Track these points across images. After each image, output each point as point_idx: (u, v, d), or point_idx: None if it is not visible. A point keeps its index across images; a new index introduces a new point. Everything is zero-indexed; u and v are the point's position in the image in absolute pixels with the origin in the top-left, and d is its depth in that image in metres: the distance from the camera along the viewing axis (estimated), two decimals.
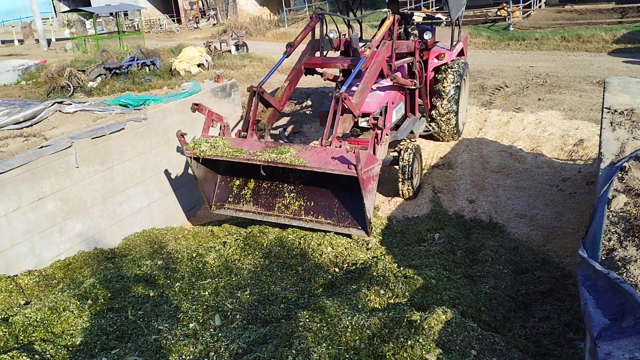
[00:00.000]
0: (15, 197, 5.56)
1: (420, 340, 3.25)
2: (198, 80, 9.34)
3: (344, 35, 9.23)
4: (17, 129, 6.61)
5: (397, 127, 8.65)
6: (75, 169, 6.20)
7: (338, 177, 5.91)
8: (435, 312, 3.58)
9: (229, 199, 6.92)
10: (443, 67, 9.30)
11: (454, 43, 9.70)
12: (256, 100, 6.89)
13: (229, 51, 21.84)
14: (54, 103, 7.17)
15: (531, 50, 19.32)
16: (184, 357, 3.70)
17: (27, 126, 6.70)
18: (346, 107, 6.33)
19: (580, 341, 4.41)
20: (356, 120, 6.72)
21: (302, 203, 6.53)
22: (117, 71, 16.24)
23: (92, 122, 6.84)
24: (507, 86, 13.55)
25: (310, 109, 13.33)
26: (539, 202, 7.55)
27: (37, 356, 3.61)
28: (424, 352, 3.14)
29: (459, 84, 9.30)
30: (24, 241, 5.69)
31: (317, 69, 8.15)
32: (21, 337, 4.03)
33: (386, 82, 8.31)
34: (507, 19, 23.76)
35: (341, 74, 8.92)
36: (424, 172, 8.84)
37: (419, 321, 3.49)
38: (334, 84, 9.62)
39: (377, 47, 7.28)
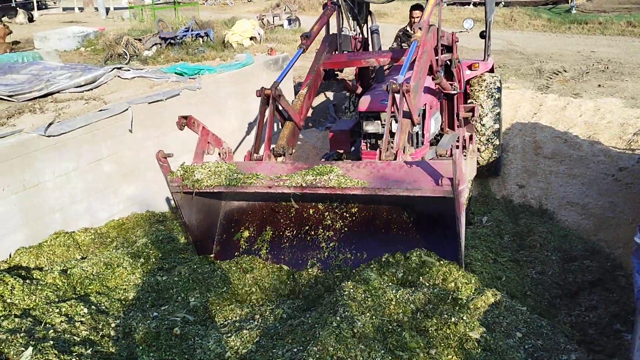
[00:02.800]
0: (75, 157, 5.79)
1: (465, 318, 3.25)
2: (250, 53, 9.40)
3: (355, 32, 7.00)
4: (78, 92, 6.85)
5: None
6: (130, 133, 6.40)
7: (411, 206, 4.33)
8: (484, 293, 3.57)
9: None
10: (477, 79, 7.51)
11: (487, 51, 7.87)
12: (272, 108, 4.87)
13: (282, 25, 21.86)
14: (113, 69, 7.38)
15: (593, 35, 18.53)
16: (230, 318, 3.82)
17: (88, 90, 6.93)
18: (405, 105, 4.51)
19: (627, 333, 4.31)
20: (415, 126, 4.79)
21: (350, 256, 4.43)
22: (172, 41, 16.53)
23: (149, 89, 7.02)
24: (565, 71, 13.09)
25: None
26: (592, 191, 7.34)
27: (92, 307, 3.80)
28: (467, 330, 3.14)
29: (499, 97, 7.49)
30: (82, 200, 5.94)
31: (338, 72, 6.44)
32: (78, 289, 4.24)
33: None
34: (569, 1, 22.83)
35: (358, 82, 7.21)
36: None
37: (465, 300, 3.49)
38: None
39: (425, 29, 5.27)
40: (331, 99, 11.94)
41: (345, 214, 4.53)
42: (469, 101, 7.32)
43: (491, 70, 7.76)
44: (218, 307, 3.97)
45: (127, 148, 6.40)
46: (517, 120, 10.00)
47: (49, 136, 5.54)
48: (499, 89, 7.53)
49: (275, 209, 4.75)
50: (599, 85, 11.68)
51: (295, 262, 4.49)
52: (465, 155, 4.80)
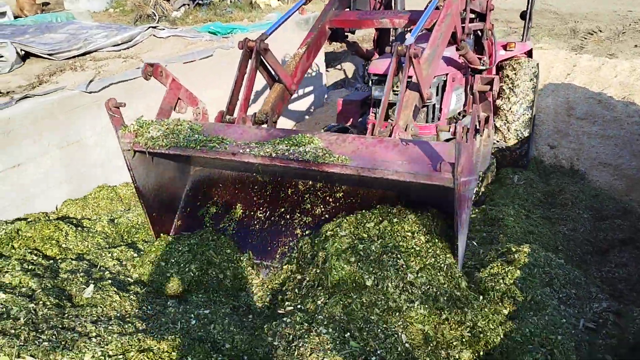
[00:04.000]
0: None
1: (510, 269, 3.36)
2: (280, 13, 9.39)
3: None
4: (115, 50, 6.98)
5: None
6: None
7: (406, 194, 3.68)
8: (523, 245, 3.66)
9: None
10: (511, 62, 6.69)
11: (527, 33, 7.12)
12: (254, 63, 4.14)
13: None
14: (149, 27, 7.48)
15: None
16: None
17: (124, 49, 7.05)
18: (415, 75, 3.87)
19: None
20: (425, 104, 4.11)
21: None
22: (200, 2, 16.50)
23: (183, 48, 7.12)
24: (600, 31, 12.77)
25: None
26: (625, 152, 7.28)
27: (141, 252, 4.01)
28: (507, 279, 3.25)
29: (535, 84, 6.69)
30: (120, 157, 6.13)
31: (348, 33, 5.69)
32: (125, 237, 4.46)
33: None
34: None
35: (376, 50, 6.39)
36: None
37: (502, 250, 3.62)
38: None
39: None
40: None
41: (328, 198, 3.91)
42: (501, 95, 6.51)
43: (529, 55, 7.03)
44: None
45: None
46: (549, 81, 9.86)
47: (90, 92, 5.70)
48: (536, 76, 6.68)
49: (249, 185, 4.15)
50: (636, 46, 11.40)
51: (262, 249, 3.92)
52: (476, 139, 3.81)
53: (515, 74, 6.54)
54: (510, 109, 6.44)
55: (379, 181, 3.21)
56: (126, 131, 3.68)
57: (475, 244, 4.09)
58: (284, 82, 4.42)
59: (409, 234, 3.36)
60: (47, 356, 2.60)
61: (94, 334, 2.81)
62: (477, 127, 3.81)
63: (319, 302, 3.05)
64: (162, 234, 4.07)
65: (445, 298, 3.02)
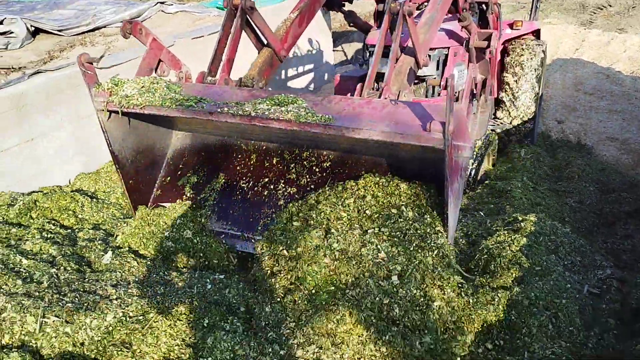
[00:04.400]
0: None
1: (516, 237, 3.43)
2: None
3: None
4: None
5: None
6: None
7: (397, 164, 3.48)
8: (529, 215, 3.72)
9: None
10: (517, 42, 6.36)
11: (536, 12, 6.92)
12: (239, 22, 3.88)
13: None
14: (157, 3, 7.49)
15: None
16: None
17: None
18: (409, 38, 3.66)
19: None
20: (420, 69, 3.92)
21: None
22: None
23: (192, 23, 7.14)
24: (610, 5, 12.64)
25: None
26: (633, 127, 7.30)
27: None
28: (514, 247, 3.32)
29: (542, 68, 6.42)
30: None
31: (345, 2, 5.52)
32: None
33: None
34: None
35: (376, 23, 5.95)
36: None
37: (509, 220, 3.69)
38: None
39: None
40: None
41: (314, 168, 3.73)
42: (507, 71, 6.19)
43: (537, 35, 6.68)
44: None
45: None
46: (557, 56, 9.82)
47: (100, 68, 5.75)
48: (543, 59, 6.40)
49: (233, 153, 3.97)
50: None
51: (245, 221, 3.75)
52: (473, 104, 3.44)
53: (520, 56, 6.20)
54: (513, 92, 6.19)
55: (368, 146, 3.04)
56: (100, 89, 3.44)
57: (482, 214, 4.16)
58: (272, 46, 4.11)
59: (395, 210, 3.18)
60: (70, 316, 2.71)
61: (114, 297, 2.92)
62: (474, 90, 3.52)
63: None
64: (140, 205, 3.87)
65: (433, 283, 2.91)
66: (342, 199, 3.29)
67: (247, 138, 3.87)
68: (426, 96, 5.00)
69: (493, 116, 6.25)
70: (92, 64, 3.41)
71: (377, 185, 3.32)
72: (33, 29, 6.60)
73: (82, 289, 2.96)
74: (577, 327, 2.87)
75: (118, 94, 3.38)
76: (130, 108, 3.34)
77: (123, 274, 3.21)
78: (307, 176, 3.72)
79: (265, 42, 4.15)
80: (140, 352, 2.70)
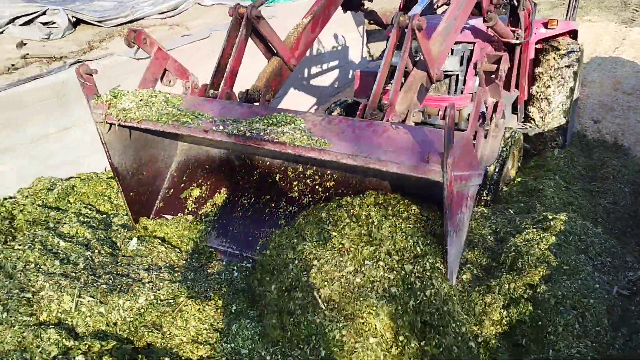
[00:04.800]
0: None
1: (545, 235, 3.40)
2: None
3: None
4: (161, 18, 7.15)
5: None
6: (209, 58, 6.68)
7: (401, 187, 3.30)
8: (560, 214, 3.69)
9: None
10: (551, 43, 5.99)
11: (574, 12, 6.53)
12: (244, 33, 3.70)
13: None
14: None
15: None
16: None
17: (170, 16, 7.22)
18: (421, 52, 3.41)
19: None
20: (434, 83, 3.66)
21: None
22: None
23: (228, 16, 7.22)
24: None
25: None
26: None
27: None
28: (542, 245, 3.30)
29: (576, 69, 5.99)
30: None
31: (365, 1, 5.22)
32: None
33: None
34: None
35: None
36: None
37: (539, 218, 3.66)
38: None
39: None
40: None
41: (317, 187, 3.58)
42: (536, 70, 5.90)
43: (573, 36, 6.26)
44: None
45: (206, 73, 6.70)
46: (596, 54, 9.59)
47: (138, 59, 5.89)
48: (578, 60, 5.98)
49: (236, 168, 3.87)
50: None
51: (244, 239, 3.60)
52: (486, 130, 3.23)
53: (554, 58, 5.83)
54: (546, 96, 5.83)
55: (372, 169, 2.78)
56: (99, 101, 3.36)
57: (512, 212, 4.13)
58: (281, 55, 3.89)
59: (389, 239, 2.95)
60: (104, 297, 2.83)
61: (146, 280, 3.02)
62: (484, 113, 3.22)
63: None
64: (141, 217, 3.80)
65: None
66: (332, 221, 3.12)
67: (251, 152, 3.74)
68: (448, 93, 4.85)
69: (523, 119, 5.98)
70: (91, 75, 3.33)
71: (376, 206, 3.16)
72: (74, 19, 6.80)
73: (115, 272, 3.07)
74: (604, 327, 2.84)
75: (116, 107, 3.31)
76: (128, 122, 3.27)
77: (153, 259, 3.31)
78: (310, 195, 3.56)
79: (275, 51, 3.91)
80: (169, 333, 2.80)
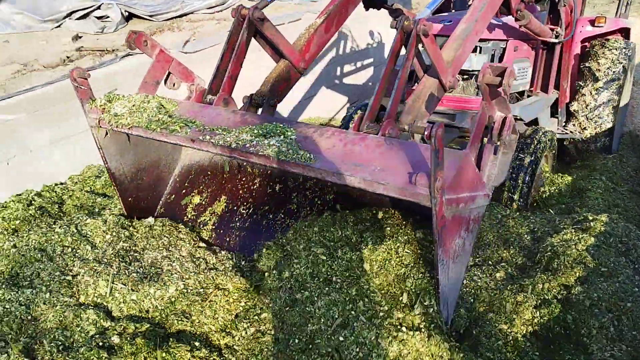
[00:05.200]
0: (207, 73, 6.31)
1: (584, 236, 3.32)
2: None
3: None
4: (209, 13, 7.32)
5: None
6: (252, 53, 6.80)
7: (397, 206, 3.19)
8: (601, 215, 3.59)
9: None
10: (597, 42, 5.61)
11: (626, 9, 6.06)
12: (246, 36, 3.52)
13: None
14: None
15: None
16: None
17: (218, 11, 7.38)
18: (428, 56, 3.15)
19: None
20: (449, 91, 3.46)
21: None
22: None
23: (274, 11, 7.32)
24: None
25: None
26: None
27: None
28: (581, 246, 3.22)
29: (627, 68, 5.58)
30: None
31: None
32: None
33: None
34: None
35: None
36: None
37: (579, 219, 3.58)
38: None
39: None
40: None
41: (317, 199, 3.47)
42: (583, 77, 5.51)
43: (625, 35, 5.85)
44: None
45: (254, 67, 6.82)
46: None
47: (186, 53, 6.06)
48: (629, 59, 5.59)
49: (238, 174, 3.76)
50: None
51: (240, 251, 3.53)
52: (496, 148, 2.92)
53: (599, 60, 5.44)
54: (590, 104, 5.48)
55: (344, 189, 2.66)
56: (93, 105, 3.28)
57: (552, 212, 4.04)
58: (289, 58, 3.69)
59: (374, 271, 2.85)
60: (136, 286, 2.94)
61: (175, 270, 3.12)
62: (491, 130, 2.90)
63: None
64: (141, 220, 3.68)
65: None
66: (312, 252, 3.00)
67: (252, 160, 3.58)
68: (477, 94, 4.57)
69: (563, 125, 5.65)
70: (85, 79, 3.26)
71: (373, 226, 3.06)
72: (127, 14, 7.05)
73: (145, 261, 3.18)
74: None
75: (110, 112, 3.23)
76: (119, 128, 3.19)
77: (179, 243, 3.41)
78: (308, 208, 3.44)
79: (280, 50, 3.69)
80: (199, 322, 2.89)
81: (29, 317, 2.78)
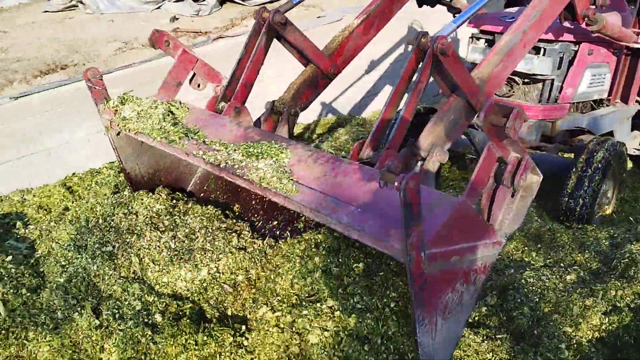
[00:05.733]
0: (292, 59, 6.46)
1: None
2: None
3: None
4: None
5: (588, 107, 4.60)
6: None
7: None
8: None
9: None
10: None
11: None
12: (265, 41, 3.24)
13: None
14: None
15: None
16: None
17: None
18: (454, 76, 2.70)
19: None
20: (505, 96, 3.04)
21: None
22: None
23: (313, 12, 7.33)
24: None
25: None
26: None
27: None
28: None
29: None
30: None
31: None
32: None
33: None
34: None
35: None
36: None
37: None
38: None
39: None
40: None
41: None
42: None
43: None
44: None
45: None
46: None
47: None
48: None
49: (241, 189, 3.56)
50: None
51: None
52: (513, 191, 2.44)
53: None
54: None
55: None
56: (107, 106, 3.22)
57: (632, 219, 3.84)
58: (316, 63, 3.38)
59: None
60: (167, 267, 2.99)
61: (207, 251, 3.08)
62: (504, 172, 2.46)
63: None
64: None
65: None
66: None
67: None
68: (540, 101, 4.17)
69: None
70: (100, 79, 3.19)
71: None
72: None
73: (178, 246, 3.11)
74: None
75: (120, 115, 3.16)
76: (127, 132, 3.11)
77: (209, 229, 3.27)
78: (314, 228, 3.17)
79: (306, 54, 3.39)
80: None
81: (93, 282, 2.94)
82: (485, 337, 2.63)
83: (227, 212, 3.45)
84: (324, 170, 2.45)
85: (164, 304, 2.80)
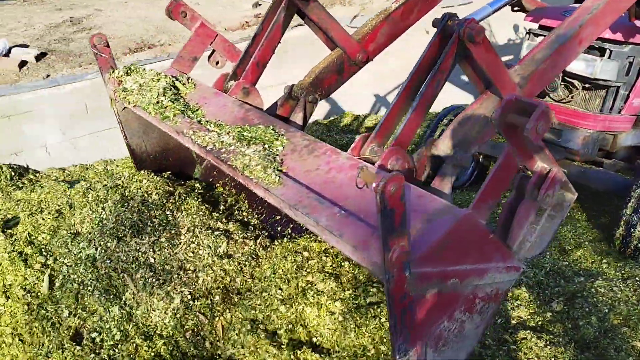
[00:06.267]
0: None
1: None
2: None
3: None
4: None
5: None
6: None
7: None
8: None
9: None
10: None
11: None
12: (283, 18, 2.89)
13: None
14: None
15: None
16: None
17: None
18: (486, 69, 2.33)
19: None
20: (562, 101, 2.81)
21: None
22: None
23: None
24: None
25: None
26: None
27: None
28: None
29: None
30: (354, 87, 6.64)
31: None
32: None
33: None
34: None
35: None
36: None
37: None
38: None
39: None
40: None
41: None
42: None
43: None
44: None
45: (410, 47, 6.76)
46: None
47: (353, 27, 6.28)
48: None
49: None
50: None
51: None
52: (542, 205, 2.00)
53: None
54: None
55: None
56: (112, 76, 2.99)
57: None
58: (342, 47, 2.95)
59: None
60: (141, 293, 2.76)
61: (186, 270, 2.84)
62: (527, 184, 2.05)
63: None
64: None
65: None
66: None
67: None
68: (601, 110, 3.78)
69: None
70: (107, 46, 3.00)
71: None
72: None
73: (157, 261, 2.85)
74: None
75: (121, 87, 2.95)
76: (128, 105, 2.90)
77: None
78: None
79: (331, 37, 2.96)
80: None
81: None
82: (548, 342, 2.60)
83: (232, 203, 3.27)
84: (317, 163, 2.18)
85: (135, 344, 2.54)
